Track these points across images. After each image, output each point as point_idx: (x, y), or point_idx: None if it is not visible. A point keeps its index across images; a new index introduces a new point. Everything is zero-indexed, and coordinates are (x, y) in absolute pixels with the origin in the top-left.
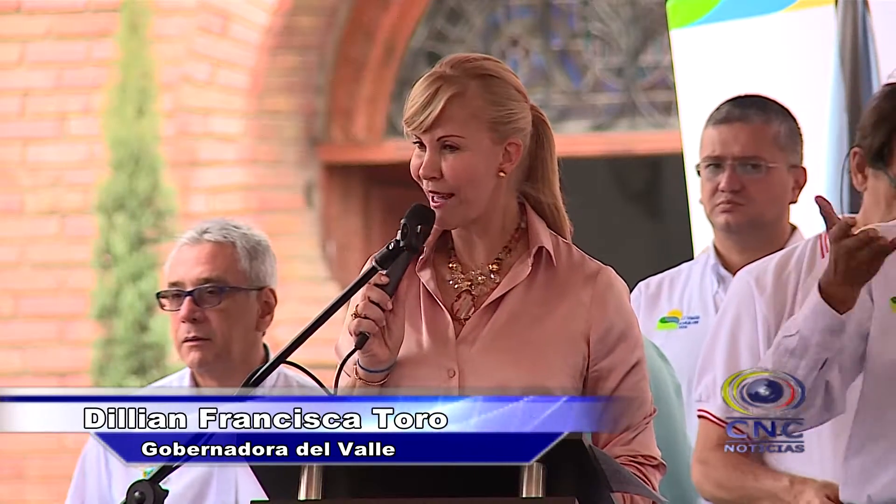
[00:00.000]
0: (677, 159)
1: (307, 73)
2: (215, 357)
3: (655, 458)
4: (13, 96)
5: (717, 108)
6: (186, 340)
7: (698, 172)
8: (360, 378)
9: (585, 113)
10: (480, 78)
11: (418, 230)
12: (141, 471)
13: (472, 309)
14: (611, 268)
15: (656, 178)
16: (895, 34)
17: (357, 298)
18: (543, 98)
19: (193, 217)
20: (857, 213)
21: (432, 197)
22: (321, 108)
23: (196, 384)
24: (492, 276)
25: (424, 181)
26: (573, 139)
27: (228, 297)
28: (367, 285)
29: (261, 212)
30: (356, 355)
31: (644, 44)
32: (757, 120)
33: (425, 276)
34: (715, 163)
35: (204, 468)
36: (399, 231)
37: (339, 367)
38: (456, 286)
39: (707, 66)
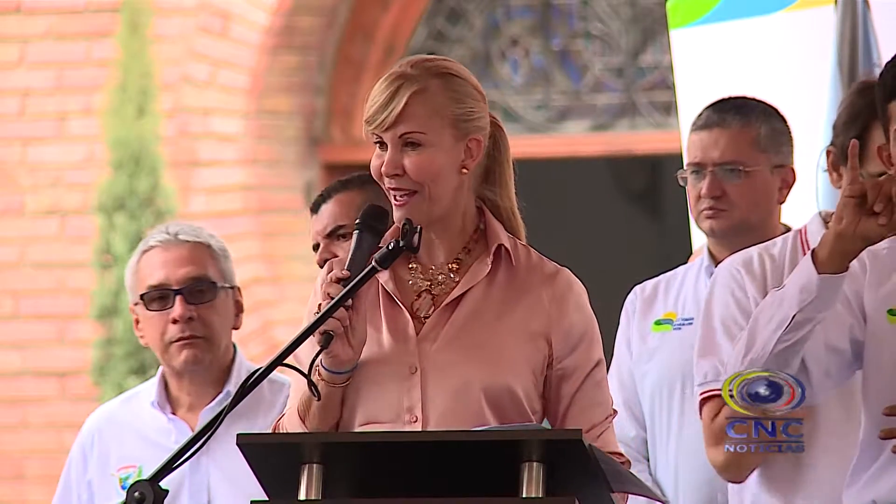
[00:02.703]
0: (677, 159)
1: (307, 73)
2: (206, 355)
3: (623, 455)
4: (13, 96)
5: (699, 114)
6: (180, 340)
7: (685, 179)
8: (322, 379)
9: (585, 113)
10: (441, 76)
11: (418, 229)
12: (117, 477)
13: (433, 308)
14: (568, 269)
15: (656, 178)
16: (895, 34)
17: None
18: (543, 98)
19: (193, 217)
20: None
21: (395, 195)
22: (321, 108)
23: (167, 392)
24: (451, 275)
25: (387, 179)
26: (573, 139)
27: (216, 296)
28: (326, 282)
29: (261, 212)
30: (309, 356)
31: (644, 44)
32: (735, 124)
33: (383, 276)
34: (696, 169)
35: (176, 470)
36: (399, 231)
37: (308, 369)
38: (415, 286)
39: (707, 67)
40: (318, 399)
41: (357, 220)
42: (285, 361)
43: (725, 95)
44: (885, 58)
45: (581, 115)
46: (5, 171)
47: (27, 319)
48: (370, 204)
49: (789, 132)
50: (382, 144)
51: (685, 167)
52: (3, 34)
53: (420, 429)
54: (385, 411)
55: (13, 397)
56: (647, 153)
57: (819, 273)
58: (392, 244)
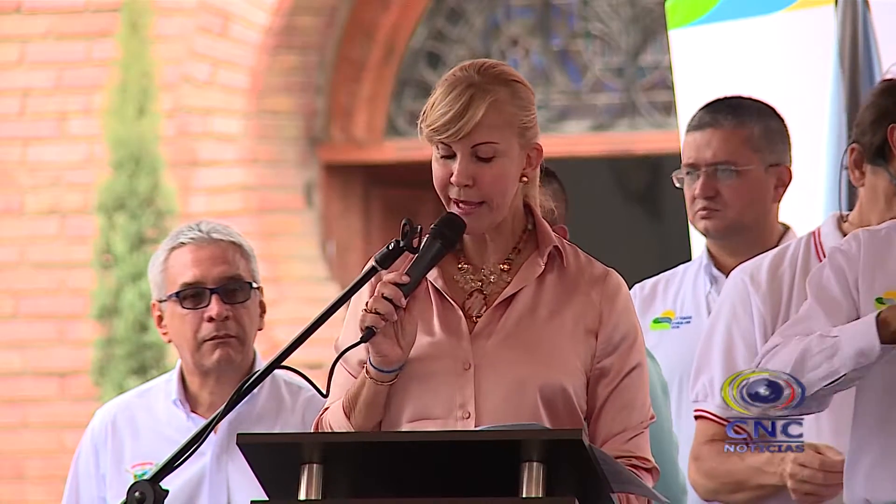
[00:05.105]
0: (677, 159)
1: (307, 73)
2: (237, 355)
3: (650, 462)
4: (13, 96)
5: (693, 115)
6: (214, 338)
7: (681, 180)
8: (370, 377)
9: (585, 113)
10: (508, 84)
11: (418, 230)
12: (132, 474)
13: (484, 307)
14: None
15: (656, 178)
16: (895, 34)
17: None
18: (543, 98)
19: (193, 217)
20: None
21: (459, 204)
22: (321, 108)
23: (185, 387)
24: (503, 275)
25: (456, 189)
26: (573, 139)
27: (249, 296)
28: (381, 283)
29: (261, 212)
30: (356, 353)
31: (644, 44)
32: (727, 124)
33: (432, 275)
34: (691, 170)
35: (196, 470)
36: (400, 231)
37: (334, 361)
38: (466, 286)
39: (706, 66)
40: (325, 397)
41: (432, 227)
42: (283, 363)
43: (721, 96)
44: (885, 57)
45: (581, 115)
46: (5, 171)
47: (27, 319)
48: (448, 213)
49: (785, 131)
50: (447, 153)
51: (682, 167)
52: (3, 34)
53: (473, 425)
54: (437, 407)
55: (13, 397)
56: (647, 153)
57: (882, 343)
58: (392, 244)
